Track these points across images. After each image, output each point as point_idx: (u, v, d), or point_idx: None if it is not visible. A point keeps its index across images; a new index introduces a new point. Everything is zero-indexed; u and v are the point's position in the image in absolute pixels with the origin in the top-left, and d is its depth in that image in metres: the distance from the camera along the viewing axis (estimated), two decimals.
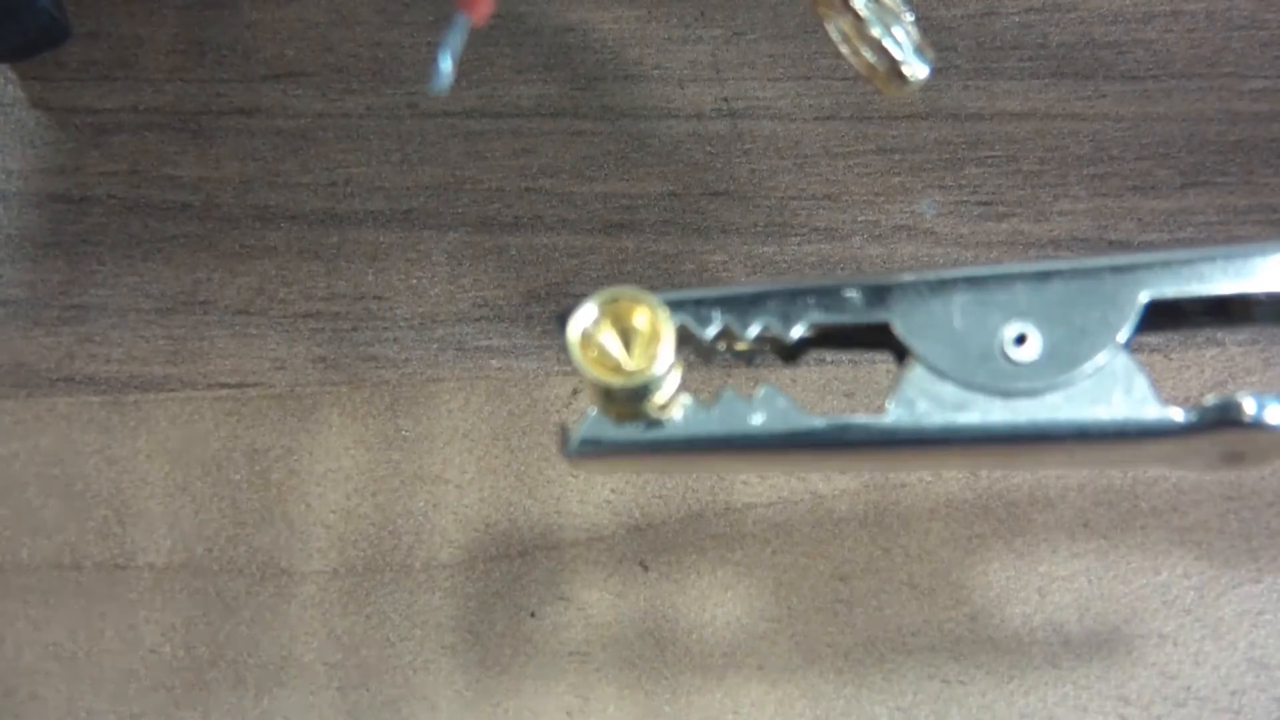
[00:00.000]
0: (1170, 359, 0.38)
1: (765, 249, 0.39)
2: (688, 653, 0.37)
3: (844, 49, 0.33)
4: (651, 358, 0.29)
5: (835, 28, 0.33)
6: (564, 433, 0.30)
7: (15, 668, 0.37)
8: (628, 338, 0.29)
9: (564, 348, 0.29)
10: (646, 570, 0.37)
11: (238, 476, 0.38)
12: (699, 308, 0.30)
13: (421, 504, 0.38)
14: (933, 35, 0.35)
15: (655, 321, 0.29)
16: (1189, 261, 0.30)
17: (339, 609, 0.37)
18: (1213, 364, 0.38)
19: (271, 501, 0.38)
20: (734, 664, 0.36)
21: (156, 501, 0.38)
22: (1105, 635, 0.36)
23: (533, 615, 0.37)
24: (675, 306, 0.30)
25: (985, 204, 0.40)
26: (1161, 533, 0.37)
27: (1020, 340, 0.30)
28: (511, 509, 0.38)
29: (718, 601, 0.37)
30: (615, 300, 0.29)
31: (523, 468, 0.38)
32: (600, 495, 0.38)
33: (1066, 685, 0.36)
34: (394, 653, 0.37)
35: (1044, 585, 0.36)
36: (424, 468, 0.38)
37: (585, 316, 0.29)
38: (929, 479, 0.37)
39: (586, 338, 0.29)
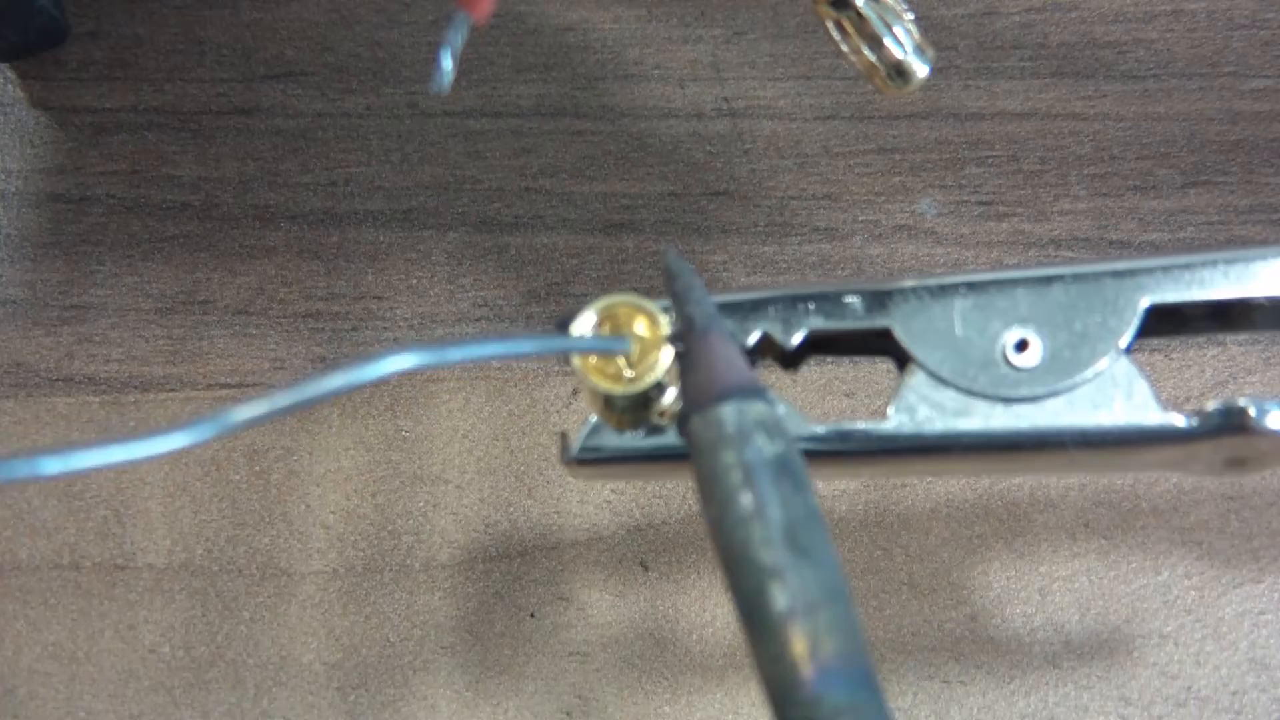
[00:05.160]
0: (1171, 359, 0.38)
1: (765, 249, 0.39)
2: (688, 653, 0.37)
3: (844, 48, 0.33)
4: (652, 365, 0.29)
5: (835, 27, 0.32)
6: (564, 440, 0.30)
7: (15, 668, 0.37)
8: None
9: (564, 355, 0.29)
10: (646, 570, 0.37)
11: (237, 477, 0.38)
12: None
13: (421, 504, 0.38)
14: (933, 35, 0.35)
15: (655, 329, 0.29)
16: (1189, 266, 0.30)
17: (338, 609, 0.37)
18: (1213, 364, 0.38)
19: (271, 502, 0.38)
20: (734, 664, 0.36)
21: (156, 502, 0.38)
22: (1106, 635, 0.36)
23: (533, 615, 0.37)
24: None
25: (985, 204, 0.40)
26: (1162, 533, 0.37)
27: (1021, 346, 0.30)
28: (511, 509, 0.38)
29: (718, 601, 0.37)
30: (615, 307, 0.29)
31: (523, 468, 0.38)
32: (600, 495, 0.38)
33: (1067, 685, 0.36)
34: (394, 653, 0.37)
35: (1044, 585, 0.36)
36: (424, 468, 0.38)
37: (585, 324, 0.29)
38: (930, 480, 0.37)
39: None
